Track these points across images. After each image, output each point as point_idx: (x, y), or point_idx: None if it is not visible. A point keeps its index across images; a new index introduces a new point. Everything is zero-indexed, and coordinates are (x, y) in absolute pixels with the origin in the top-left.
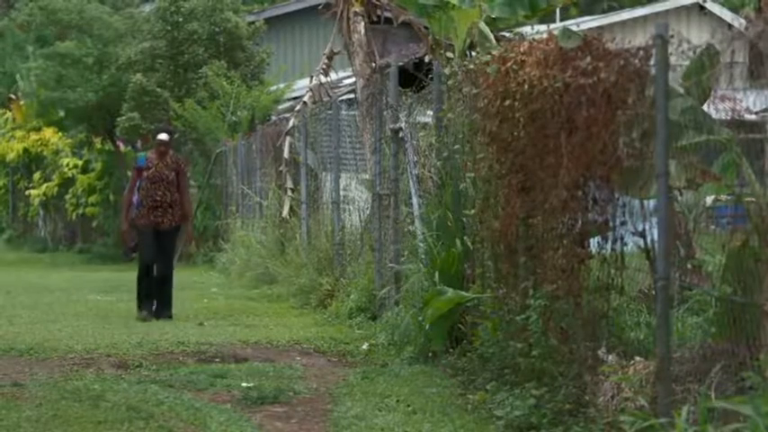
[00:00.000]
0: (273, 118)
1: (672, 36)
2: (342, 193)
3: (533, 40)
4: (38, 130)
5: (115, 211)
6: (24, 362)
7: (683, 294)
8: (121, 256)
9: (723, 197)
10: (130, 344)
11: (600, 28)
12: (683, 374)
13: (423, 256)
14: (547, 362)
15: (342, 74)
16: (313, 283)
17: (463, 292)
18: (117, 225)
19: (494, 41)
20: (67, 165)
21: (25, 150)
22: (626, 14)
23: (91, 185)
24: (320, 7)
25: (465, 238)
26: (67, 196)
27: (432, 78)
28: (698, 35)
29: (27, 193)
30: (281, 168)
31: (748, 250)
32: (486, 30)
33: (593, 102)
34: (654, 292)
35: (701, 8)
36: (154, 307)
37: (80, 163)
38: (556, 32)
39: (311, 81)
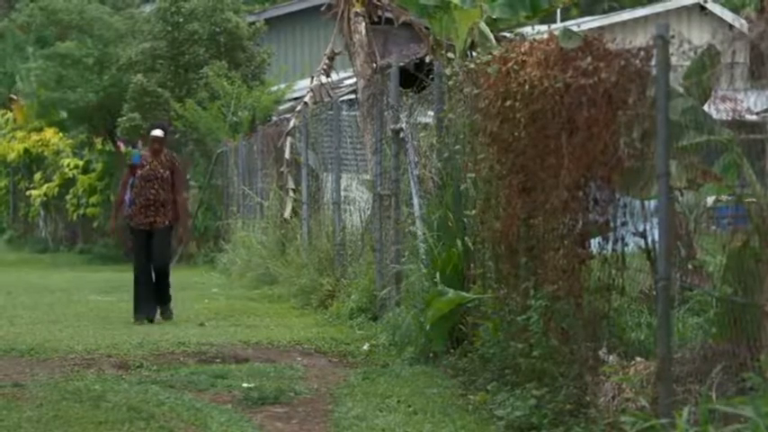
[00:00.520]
0: (274, 118)
1: (673, 36)
2: (343, 193)
3: (534, 40)
4: (39, 130)
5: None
6: (25, 362)
7: (684, 295)
8: (122, 256)
9: (724, 198)
10: (131, 344)
11: (601, 28)
12: (684, 375)
13: (423, 257)
14: (548, 362)
15: (343, 74)
16: (314, 284)
17: (464, 293)
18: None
19: (494, 42)
20: (68, 165)
21: (26, 151)
22: (627, 15)
23: (92, 186)
24: (322, 8)
25: (466, 238)
26: (68, 197)
27: (432, 79)
28: (699, 35)
29: (28, 193)
30: (282, 169)
31: (749, 251)
32: (487, 30)
33: (594, 102)
34: (655, 293)
35: (702, 8)
36: (156, 309)
37: (81, 163)
38: (556, 33)
39: (312, 81)
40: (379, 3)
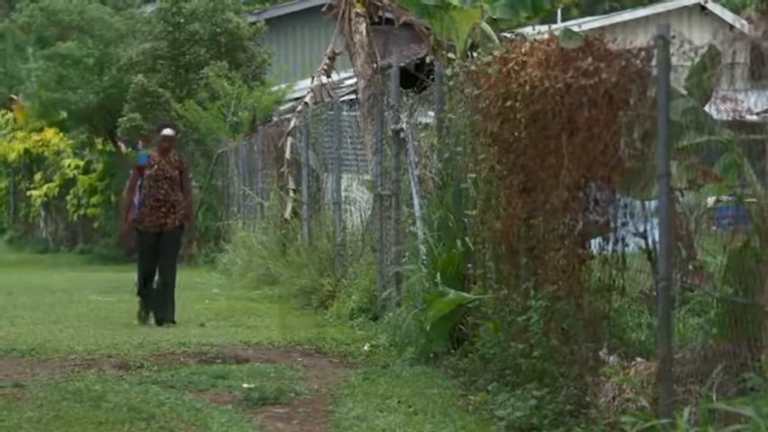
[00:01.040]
0: (275, 119)
1: (673, 37)
2: (343, 193)
3: (535, 40)
4: (39, 130)
5: (116, 212)
6: (26, 363)
7: (685, 295)
8: (123, 256)
9: (724, 198)
10: (132, 345)
11: (601, 28)
12: (685, 375)
13: (424, 257)
14: (548, 363)
15: (343, 74)
16: (314, 284)
17: (464, 293)
18: (118, 226)
19: (497, 41)
20: (69, 165)
21: (26, 151)
22: (627, 15)
23: (92, 186)
24: (323, 8)
25: (466, 238)
26: (69, 197)
27: (433, 79)
28: (699, 36)
29: (28, 193)
30: (282, 169)
31: (749, 251)
32: (489, 30)
33: (595, 102)
34: (655, 293)
35: (703, 9)
36: (165, 309)
37: (81, 164)
38: (557, 33)
39: (313, 81)
40: (379, 3)
